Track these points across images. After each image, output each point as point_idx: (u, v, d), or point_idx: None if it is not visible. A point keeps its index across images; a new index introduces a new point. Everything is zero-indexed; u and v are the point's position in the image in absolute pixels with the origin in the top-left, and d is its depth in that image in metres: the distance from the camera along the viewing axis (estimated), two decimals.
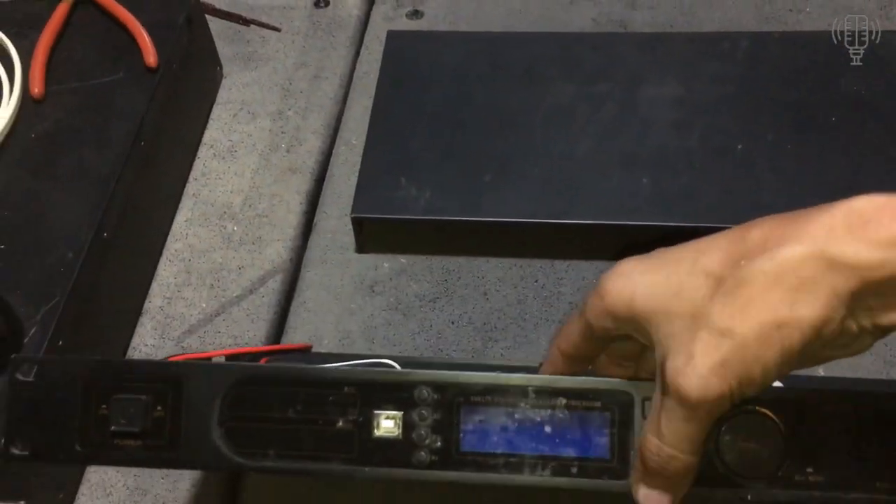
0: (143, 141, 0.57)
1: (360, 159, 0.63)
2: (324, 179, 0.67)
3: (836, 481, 0.33)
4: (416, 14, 0.76)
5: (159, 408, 0.35)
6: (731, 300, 0.29)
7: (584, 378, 0.35)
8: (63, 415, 0.35)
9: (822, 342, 0.28)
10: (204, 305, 0.59)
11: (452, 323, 0.57)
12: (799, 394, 0.33)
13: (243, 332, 0.57)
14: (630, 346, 0.35)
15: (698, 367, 0.29)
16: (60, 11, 0.62)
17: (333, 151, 0.68)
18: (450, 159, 0.61)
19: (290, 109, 0.71)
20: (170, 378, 0.35)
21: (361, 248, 0.61)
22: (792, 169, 0.58)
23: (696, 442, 0.30)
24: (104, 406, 0.35)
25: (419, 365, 0.51)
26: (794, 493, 0.33)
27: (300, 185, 0.66)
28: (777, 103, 0.62)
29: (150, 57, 0.59)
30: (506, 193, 0.58)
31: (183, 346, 0.56)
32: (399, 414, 0.35)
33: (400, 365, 0.47)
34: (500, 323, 0.57)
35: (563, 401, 0.34)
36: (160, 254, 0.61)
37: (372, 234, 0.61)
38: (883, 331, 0.29)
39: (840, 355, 0.30)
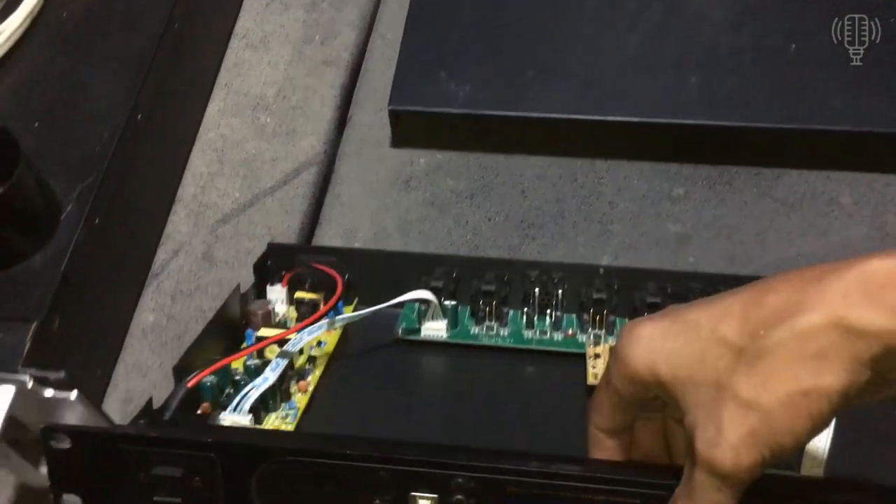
0: (176, 23, 0.55)
1: (395, 54, 0.61)
2: (359, 73, 0.65)
3: None
4: None
5: (197, 479, 0.35)
6: (754, 372, 0.29)
7: (623, 468, 0.34)
8: (106, 480, 0.36)
9: (851, 401, 0.28)
10: (237, 195, 0.58)
11: (489, 220, 0.56)
12: None
13: (277, 224, 0.57)
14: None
15: (729, 438, 0.29)
16: None
17: (368, 45, 0.66)
18: (491, 52, 0.59)
19: (324, 1, 0.68)
20: (205, 450, 0.35)
21: (397, 142, 0.60)
22: (847, 71, 0.56)
23: None
24: (142, 474, 0.35)
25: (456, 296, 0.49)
26: None
27: (334, 79, 0.64)
28: (834, 4, 0.59)
29: None
30: (548, 88, 0.57)
31: (211, 256, 0.56)
32: (434, 497, 0.34)
33: (437, 297, 0.47)
34: (538, 220, 0.56)
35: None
36: (193, 143, 0.60)
37: (408, 128, 0.59)
38: None
39: (873, 402, 0.30)
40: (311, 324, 0.46)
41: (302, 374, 0.46)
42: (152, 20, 0.55)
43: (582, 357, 0.47)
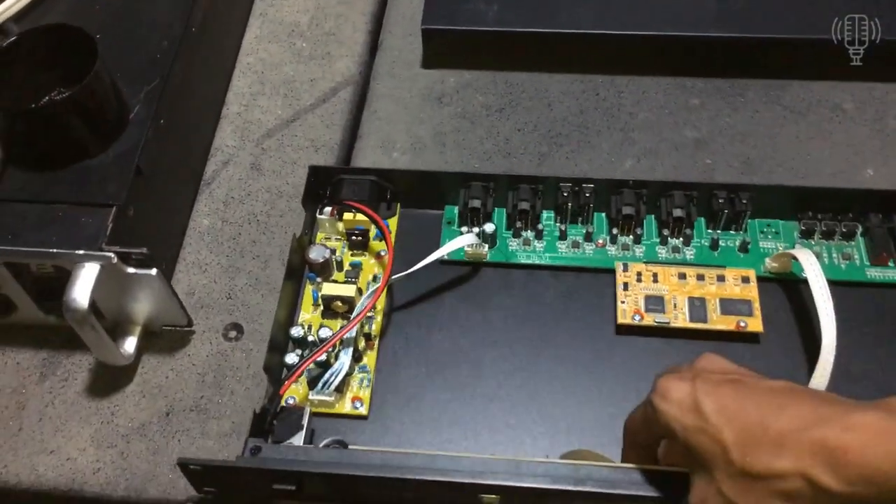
0: None
1: None
2: (386, 2, 0.68)
3: None
4: None
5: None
6: (737, 483, 0.35)
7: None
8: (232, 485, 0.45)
9: None
10: (279, 112, 0.61)
11: (518, 130, 0.60)
12: None
13: (319, 136, 0.60)
14: None
15: None
16: None
17: None
18: None
19: None
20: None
21: (428, 63, 0.64)
22: None
23: None
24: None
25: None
26: None
27: (364, 7, 0.67)
28: None
29: None
30: (571, 5, 0.60)
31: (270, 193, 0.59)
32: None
33: (474, 217, 0.52)
34: (564, 129, 0.60)
35: None
36: (233, 66, 0.64)
37: (438, 49, 0.63)
38: None
39: None
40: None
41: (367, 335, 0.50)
42: None
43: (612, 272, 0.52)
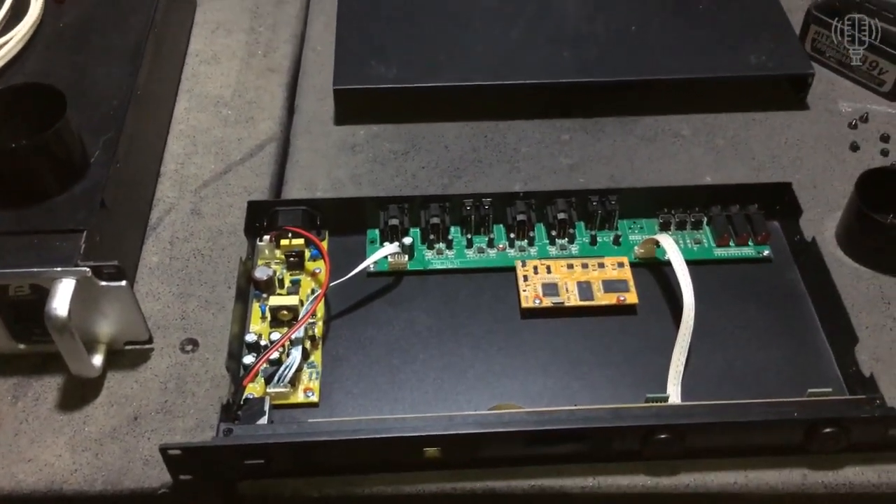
0: (156, 27, 0.68)
1: (326, 61, 0.77)
2: (298, 75, 0.79)
3: None
4: None
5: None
6: None
7: None
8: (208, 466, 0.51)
9: None
10: (213, 167, 0.70)
11: (423, 168, 0.71)
12: None
13: (250, 183, 0.69)
14: None
15: None
16: None
17: (302, 56, 0.81)
18: (408, 41, 0.75)
19: (260, 27, 0.83)
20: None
21: (340, 119, 0.74)
22: (670, 41, 0.75)
23: None
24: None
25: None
26: None
27: (279, 80, 0.78)
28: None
29: None
30: (456, 64, 0.73)
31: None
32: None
33: (394, 233, 0.62)
34: (462, 164, 0.71)
35: None
36: (167, 132, 0.72)
37: (349, 105, 0.74)
38: None
39: None
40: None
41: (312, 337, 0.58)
42: (137, 24, 0.67)
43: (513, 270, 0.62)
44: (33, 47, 0.65)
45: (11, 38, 0.64)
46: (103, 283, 0.52)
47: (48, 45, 0.65)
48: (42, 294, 0.51)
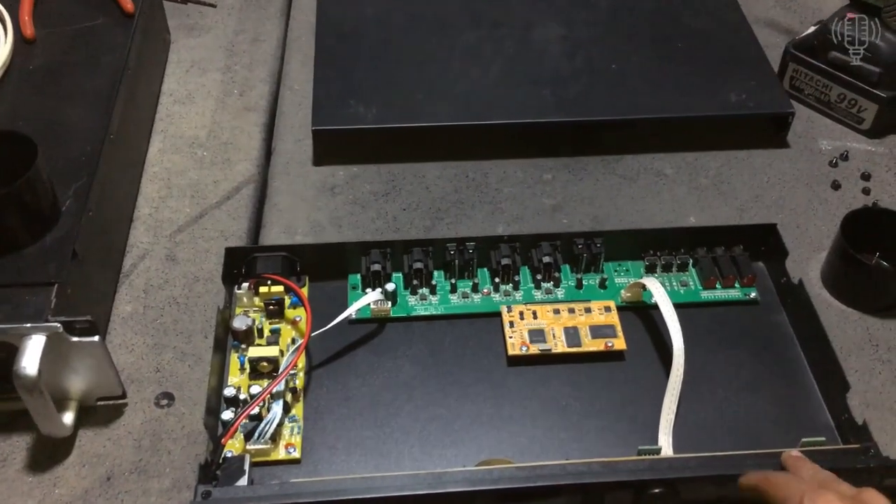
0: (129, 69, 0.67)
1: (303, 99, 0.75)
2: (275, 115, 0.78)
3: None
4: None
5: None
6: None
7: None
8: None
9: None
10: (188, 210, 0.68)
11: (404, 210, 0.69)
12: None
13: (227, 227, 0.67)
14: None
15: None
16: None
17: (279, 95, 0.80)
18: (387, 82, 0.74)
19: (236, 65, 0.81)
20: None
21: (319, 160, 0.73)
22: (648, 79, 0.75)
23: None
24: None
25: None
26: None
27: (256, 119, 0.76)
28: (635, 37, 0.79)
29: (128, 4, 0.69)
30: (434, 104, 0.72)
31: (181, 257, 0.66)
32: None
33: (376, 278, 0.60)
34: (443, 206, 0.70)
35: None
36: (141, 175, 0.70)
37: (328, 146, 0.72)
38: None
39: None
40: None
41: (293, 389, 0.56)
42: (110, 64, 0.66)
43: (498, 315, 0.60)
44: (2, 91, 0.63)
45: None
46: (75, 339, 0.50)
47: (18, 87, 0.64)
48: (10, 351, 0.49)
